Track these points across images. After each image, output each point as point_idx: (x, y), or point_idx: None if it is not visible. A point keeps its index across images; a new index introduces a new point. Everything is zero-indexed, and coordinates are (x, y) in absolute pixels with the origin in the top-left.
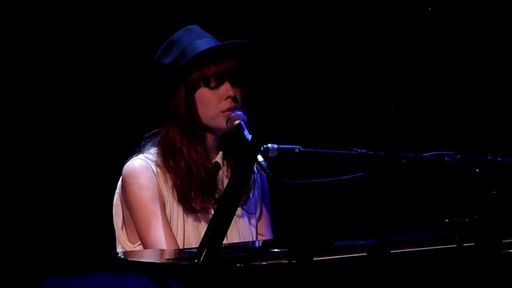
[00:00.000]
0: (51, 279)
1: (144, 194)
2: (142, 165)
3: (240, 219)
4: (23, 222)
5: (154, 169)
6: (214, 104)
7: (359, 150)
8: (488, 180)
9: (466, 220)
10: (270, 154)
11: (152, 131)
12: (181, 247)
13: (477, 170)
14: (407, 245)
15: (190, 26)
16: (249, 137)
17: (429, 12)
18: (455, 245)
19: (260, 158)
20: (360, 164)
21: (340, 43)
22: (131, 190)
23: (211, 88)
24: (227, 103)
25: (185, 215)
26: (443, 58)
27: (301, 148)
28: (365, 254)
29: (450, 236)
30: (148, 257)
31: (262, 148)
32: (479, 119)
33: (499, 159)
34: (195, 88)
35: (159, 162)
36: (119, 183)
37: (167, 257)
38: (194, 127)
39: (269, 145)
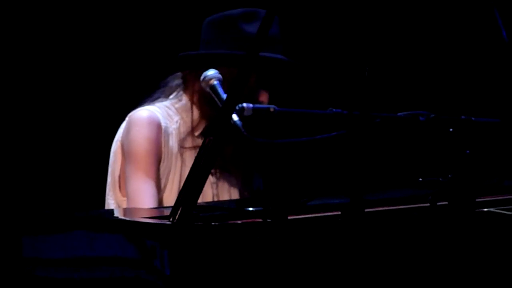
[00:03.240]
0: (28, 239)
1: (144, 146)
2: (151, 116)
3: (232, 188)
4: None
5: (162, 123)
6: (251, 96)
7: (333, 110)
8: (462, 139)
9: (440, 179)
10: (245, 114)
11: (175, 74)
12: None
13: (451, 129)
14: (381, 204)
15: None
16: (224, 96)
17: None
18: (428, 204)
19: (235, 117)
20: (335, 123)
21: (316, 3)
22: (135, 137)
23: (257, 85)
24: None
25: (182, 172)
26: (417, 17)
27: (276, 108)
28: (339, 213)
29: (423, 195)
30: (125, 215)
31: (237, 108)
32: (453, 78)
33: (473, 118)
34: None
35: (177, 109)
36: (123, 130)
37: (143, 215)
38: None
39: (244, 104)
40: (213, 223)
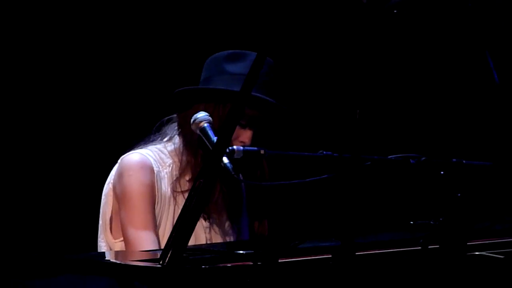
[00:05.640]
0: (17, 282)
1: (139, 190)
2: (143, 160)
3: (225, 232)
4: None
5: (155, 167)
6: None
7: (324, 152)
8: (453, 182)
9: (431, 222)
10: (235, 156)
11: (170, 117)
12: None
13: (442, 172)
14: (372, 247)
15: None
16: (215, 139)
17: (395, 14)
18: (420, 248)
19: (225, 160)
20: (326, 166)
21: (306, 44)
22: (128, 182)
23: (239, 125)
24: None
25: (175, 215)
26: (408, 59)
27: (266, 150)
28: (330, 256)
29: (415, 238)
30: (114, 258)
31: (227, 150)
32: (444, 122)
33: (464, 161)
34: None
35: (170, 153)
36: (115, 173)
37: (133, 259)
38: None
39: (235, 147)
40: (203, 266)
